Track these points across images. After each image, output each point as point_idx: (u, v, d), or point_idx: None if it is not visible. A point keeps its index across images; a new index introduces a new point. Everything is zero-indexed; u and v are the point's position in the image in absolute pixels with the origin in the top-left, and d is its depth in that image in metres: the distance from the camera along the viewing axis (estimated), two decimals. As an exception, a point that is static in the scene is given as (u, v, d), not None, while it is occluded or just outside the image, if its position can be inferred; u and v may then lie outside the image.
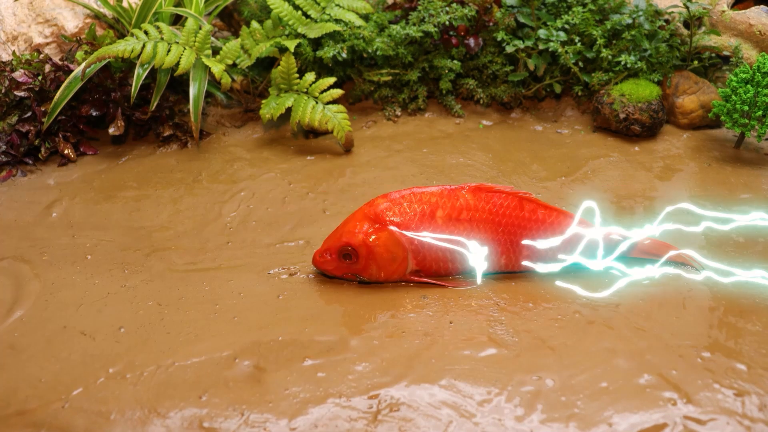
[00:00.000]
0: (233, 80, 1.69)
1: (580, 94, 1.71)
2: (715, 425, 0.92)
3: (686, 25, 1.72)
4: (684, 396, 0.95)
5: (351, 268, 1.15)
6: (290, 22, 1.65)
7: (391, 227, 1.13)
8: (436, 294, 1.15)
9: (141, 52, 1.47)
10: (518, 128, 1.70)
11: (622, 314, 1.10)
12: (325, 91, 1.59)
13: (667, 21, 1.72)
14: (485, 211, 1.15)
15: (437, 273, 1.17)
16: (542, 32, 1.65)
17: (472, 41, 1.69)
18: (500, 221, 1.15)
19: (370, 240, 1.13)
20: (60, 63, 1.54)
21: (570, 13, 1.67)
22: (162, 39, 1.52)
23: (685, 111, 1.67)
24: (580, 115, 1.75)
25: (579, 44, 1.67)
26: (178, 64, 1.49)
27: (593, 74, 1.68)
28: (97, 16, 1.68)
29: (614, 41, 1.70)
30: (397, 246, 1.14)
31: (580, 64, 1.68)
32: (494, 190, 1.16)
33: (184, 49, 1.51)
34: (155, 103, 1.55)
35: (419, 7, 1.70)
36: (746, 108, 1.49)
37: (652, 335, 1.06)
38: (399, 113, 1.74)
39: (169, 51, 1.50)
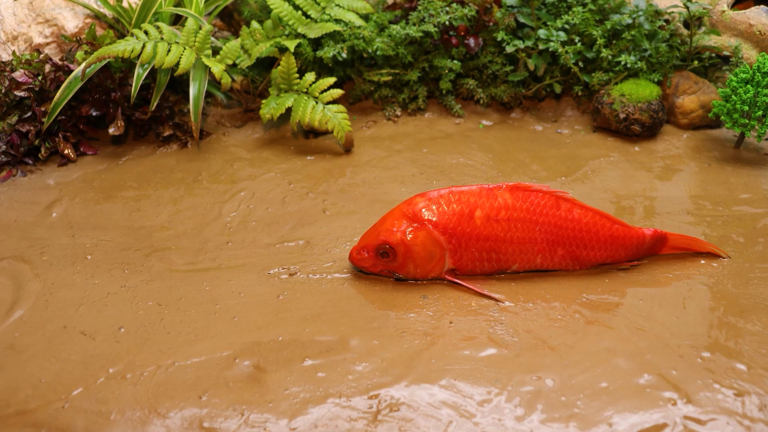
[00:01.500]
0: (233, 80, 1.69)
1: (580, 94, 1.71)
2: (715, 425, 0.92)
3: (686, 25, 1.72)
4: (684, 396, 0.96)
5: (388, 266, 1.16)
6: (290, 22, 1.65)
7: (429, 226, 1.14)
8: (437, 294, 1.15)
9: (141, 52, 1.47)
10: (518, 128, 1.70)
11: (622, 314, 1.10)
12: (325, 91, 1.59)
13: (667, 21, 1.72)
14: (523, 210, 1.15)
15: (473, 272, 1.17)
16: (542, 32, 1.65)
17: (472, 41, 1.69)
18: (537, 220, 1.15)
19: (408, 239, 1.14)
20: (60, 63, 1.54)
21: (570, 13, 1.67)
22: (162, 39, 1.52)
23: (685, 111, 1.67)
24: (580, 115, 1.75)
25: (579, 44, 1.67)
26: (178, 64, 1.49)
27: (593, 74, 1.68)
28: (97, 16, 1.68)
29: (614, 41, 1.70)
30: (434, 245, 1.14)
31: (580, 64, 1.68)
32: (532, 189, 1.16)
33: (184, 49, 1.52)
34: (155, 103, 1.55)
35: (419, 7, 1.70)
36: (746, 108, 1.49)
37: (652, 335, 1.06)
38: (399, 113, 1.74)
39: (169, 51, 1.50)
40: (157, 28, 1.55)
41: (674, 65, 1.71)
